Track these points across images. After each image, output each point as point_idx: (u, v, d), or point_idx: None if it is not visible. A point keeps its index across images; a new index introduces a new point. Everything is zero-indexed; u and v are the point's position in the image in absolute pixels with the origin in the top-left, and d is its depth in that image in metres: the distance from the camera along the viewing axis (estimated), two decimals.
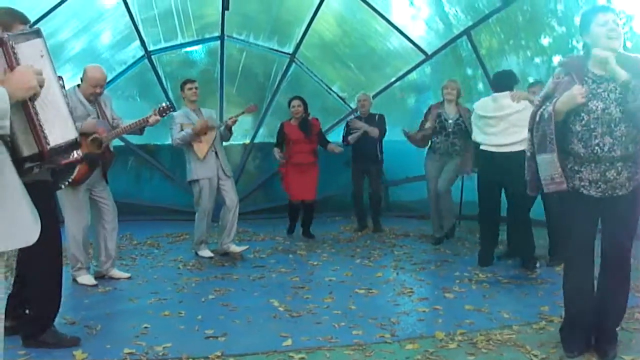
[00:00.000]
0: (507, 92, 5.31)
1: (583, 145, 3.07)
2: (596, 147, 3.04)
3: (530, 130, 3.23)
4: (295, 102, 6.78)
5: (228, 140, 6.26)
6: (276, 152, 6.81)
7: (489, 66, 7.74)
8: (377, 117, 7.13)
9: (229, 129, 5.96)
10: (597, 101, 3.03)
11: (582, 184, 3.13)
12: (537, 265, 5.24)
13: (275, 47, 8.63)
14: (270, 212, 8.30)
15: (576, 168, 3.13)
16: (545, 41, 8.13)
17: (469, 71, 8.44)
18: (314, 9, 8.18)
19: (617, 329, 3.28)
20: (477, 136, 5.53)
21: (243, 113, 6.12)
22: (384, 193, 7.96)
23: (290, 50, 8.61)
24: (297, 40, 8.50)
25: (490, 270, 5.25)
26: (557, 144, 3.06)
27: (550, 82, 3.24)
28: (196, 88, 5.93)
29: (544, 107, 3.14)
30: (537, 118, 3.16)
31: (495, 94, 5.41)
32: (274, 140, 7.06)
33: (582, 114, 3.05)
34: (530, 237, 5.28)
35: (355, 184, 7.27)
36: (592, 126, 3.04)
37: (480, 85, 7.93)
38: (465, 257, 5.80)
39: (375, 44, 8.78)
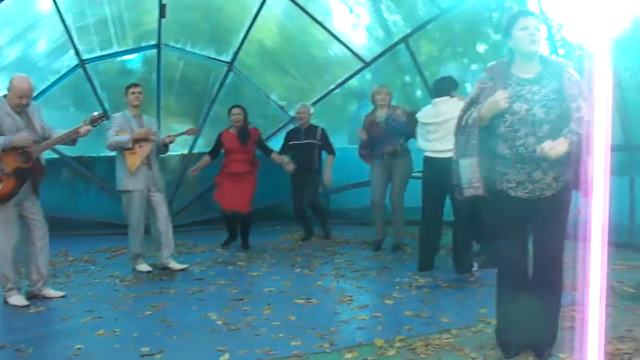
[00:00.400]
0: (446, 98, 5.37)
1: (508, 146, 3.13)
2: (520, 147, 3.09)
3: (456, 134, 3.29)
4: (236, 110, 6.72)
5: (164, 154, 6.15)
6: (203, 160, 6.87)
7: (428, 73, 7.84)
8: (319, 131, 7.05)
9: (165, 146, 5.86)
10: (521, 102, 3.09)
11: (510, 185, 3.18)
12: (474, 268, 5.29)
13: (213, 56, 8.49)
14: (210, 224, 8.15)
15: (503, 170, 3.18)
16: (481, 48, 8.33)
17: (408, 78, 8.55)
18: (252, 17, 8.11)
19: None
20: (420, 143, 5.59)
21: (182, 134, 6.18)
22: (324, 199, 7.93)
23: (229, 59, 8.49)
24: (236, 49, 8.40)
25: (430, 275, 5.29)
26: (479, 149, 3.13)
27: (475, 87, 3.29)
28: (139, 92, 5.83)
29: (469, 112, 3.19)
30: (463, 123, 3.22)
31: (435, 100, 5.47)
32: None
33: (506, 115, 3.10)
34: (468, 242, 5.32)
35: (294, 198, 7.19)
36: (515, 127, 3.09)
37: (419, 92, 8.05)
38: (406, 263, 5.83)
39: (316, 51, 8.78)
